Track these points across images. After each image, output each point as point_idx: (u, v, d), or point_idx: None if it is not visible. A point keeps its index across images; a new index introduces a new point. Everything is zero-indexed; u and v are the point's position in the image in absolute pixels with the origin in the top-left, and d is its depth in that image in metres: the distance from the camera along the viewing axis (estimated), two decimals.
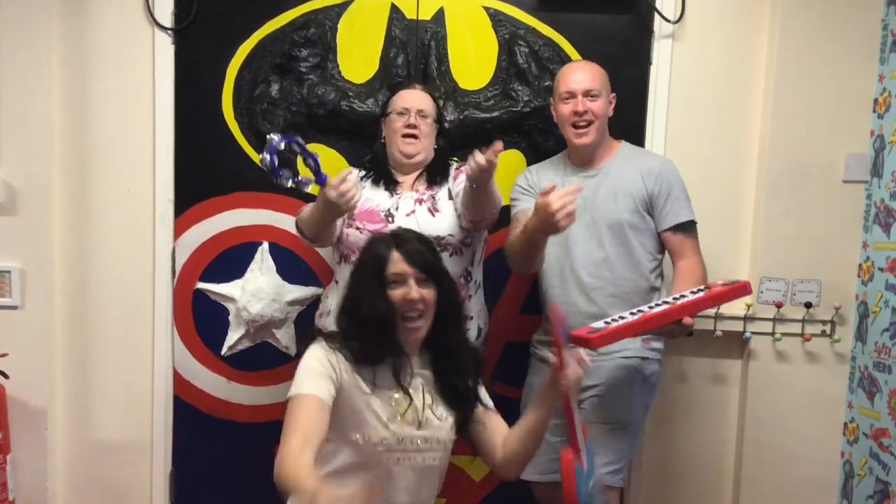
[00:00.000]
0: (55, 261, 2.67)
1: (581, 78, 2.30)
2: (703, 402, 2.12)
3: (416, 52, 2.66)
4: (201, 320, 2.75)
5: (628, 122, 2.69)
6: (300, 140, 2.00)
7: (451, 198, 2.30)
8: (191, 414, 2.76)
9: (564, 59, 2.67)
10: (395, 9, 2.66)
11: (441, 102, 2.51)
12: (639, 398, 2.30)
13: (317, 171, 2.02)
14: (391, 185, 2.33)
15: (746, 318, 2.66)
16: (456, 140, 2.64)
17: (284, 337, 2.71)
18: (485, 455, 1.94)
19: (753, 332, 2.67)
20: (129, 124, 2.67)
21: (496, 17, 2.67)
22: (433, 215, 2.26)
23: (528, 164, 2.67)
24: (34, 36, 2.58)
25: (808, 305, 2.65)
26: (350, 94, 2.65)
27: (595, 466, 1.89)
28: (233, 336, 2.73)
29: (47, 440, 2.67)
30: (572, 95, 2.28)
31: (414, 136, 2.31)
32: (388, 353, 1.82)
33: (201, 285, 2.74)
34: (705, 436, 2.76)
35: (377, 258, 1.84)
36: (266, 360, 2.74)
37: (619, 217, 2.27)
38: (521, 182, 2.45)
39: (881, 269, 2.55)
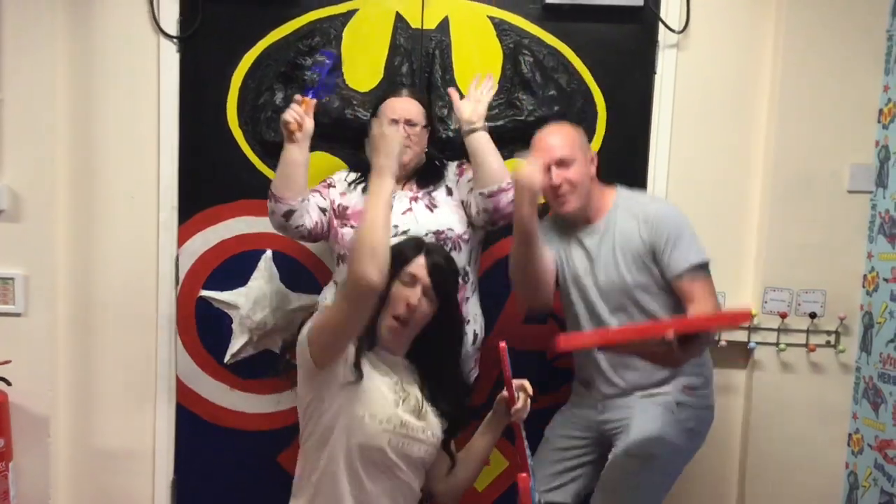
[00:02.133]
0: (59, 268, 2.66)
1: (550, 147, 2.19)
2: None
3: (420, 60, 2.66)
4: (204, 328, 2.74)
5: (632, 133, 2.70)
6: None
7: (449, 194, 2.32)
8: (193, 422, 2.76)
9: (569, 69, 2.67)
10: (399, 18, 2.66)
11: (431, 109, 2.49)
12: (667, 435, 2.13)
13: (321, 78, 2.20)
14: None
15: (751, 329, 2.65)
16: (460, 149, 2.65)
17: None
18: (428, 480, 2.00)
19: (758, 343, 2.66)
20: (134, 132, 2.67)
21: (501, 27, 2.67)
22: (431, 210, 2.28)
23: None
24: (39, 43, 2.58)
25: (813, 316, 2.64)
26: (354, 102, 2.65)
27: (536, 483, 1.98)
28: (236, 344, 2.72)
29: (49, 447, 2.66)
30: (544, 168, 2.16)
31: (404, 146, 2.27)
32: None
33: (205, 293, 2.73)
34: (709, 446, 2.71)
35: (402, 253, 1.90)
36: (269, 369, 2.73)
37: (624, 281, 2.17)
38: None
39: (886, 280, 2.54)
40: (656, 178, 2.69)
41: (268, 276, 2.68)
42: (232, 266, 2.72)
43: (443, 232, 2.25)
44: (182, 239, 2.71)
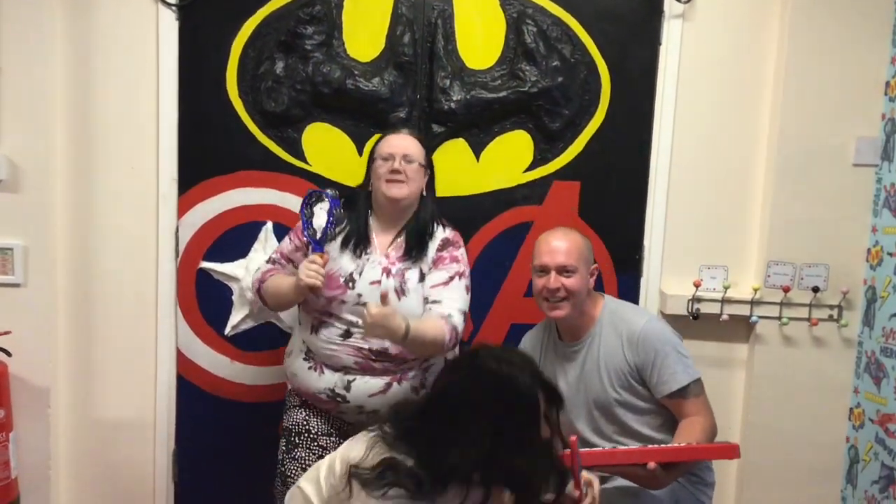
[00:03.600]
0: (58, 238, 2.65)
1: (556, 251, 2.13)
2: (708, 385, 2.10)
3: (422, 30, 2.63)
4: (205, 300, 2.73)
5: (636, 105, 2.68)
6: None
7: (421, 280, 2.20)
8: (194, 393, 2.76)
9: (573, 39, 2.64)
10: None
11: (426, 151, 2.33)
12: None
13: (324, 229, 2.15)
14: (361, 245, 2.21)
15: (753, 303, 2.65)
16: (462, 120, 2.64)
17: (288, 317, 2.70)
18: None
19: (760, 317, 2.66)
20: (133, 101, 2.64)
21: None
22: (399, 297, 2.15)
23: (535, 144, 2.66)
24: (37, 12, 2.55)
25: (816, 290, 2.63)
26: (356, 72, 2.62)
27: None
28: (236, 316, 2.72)
29: (50, 418, 2.66)
30: (545, 270, 2.14)
31: (399, 181, 2.19)
32: None
33: (205, 265, 2.72)
34: None
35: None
36: (269, 340, 2.73)
37: (606, 397, 2.12)
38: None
39: (890, 254, 2.53)
40: (660, 152, 2.67)
41: (268, 248, 2.67)
42: (232, 237, 2.71)
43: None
44: (182, 210, 2.70)
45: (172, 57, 2.63)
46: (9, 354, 2.53)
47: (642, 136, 2.69)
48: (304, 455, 2.23)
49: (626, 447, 2.00)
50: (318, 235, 2.17)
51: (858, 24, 2.57)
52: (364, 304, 2.05)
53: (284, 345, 2.62)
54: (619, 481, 2.03)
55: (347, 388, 2.16)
